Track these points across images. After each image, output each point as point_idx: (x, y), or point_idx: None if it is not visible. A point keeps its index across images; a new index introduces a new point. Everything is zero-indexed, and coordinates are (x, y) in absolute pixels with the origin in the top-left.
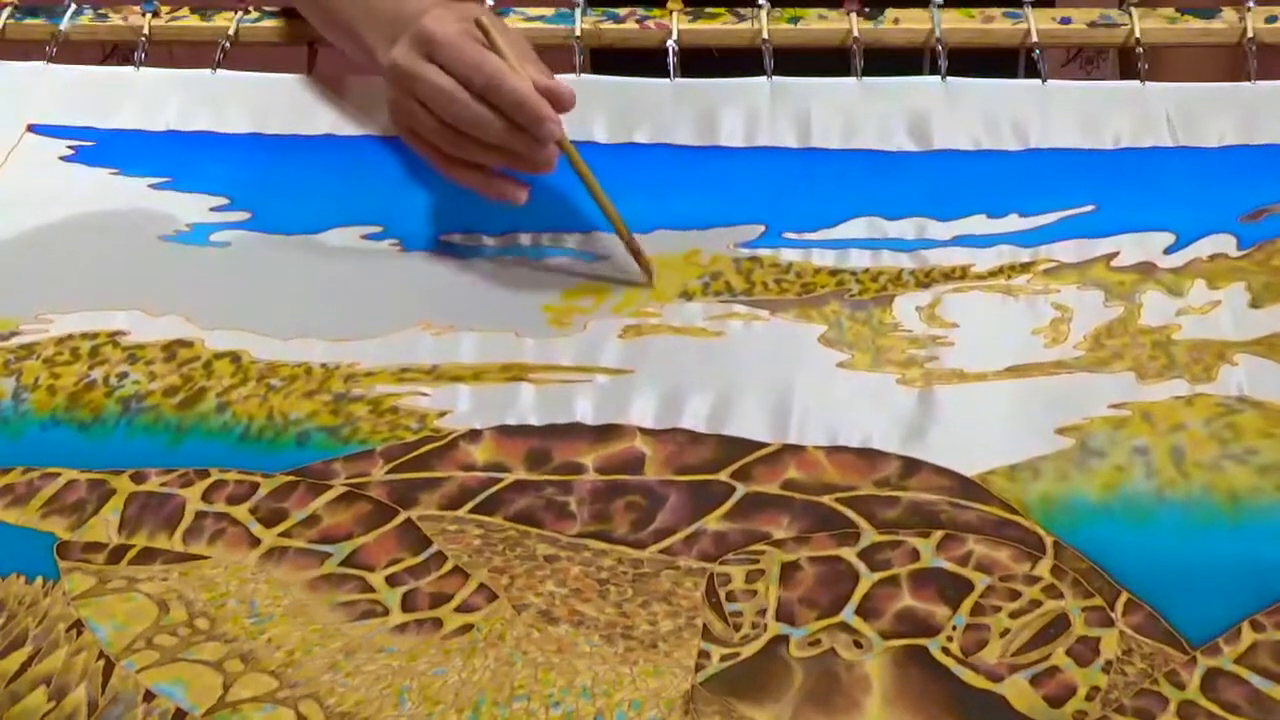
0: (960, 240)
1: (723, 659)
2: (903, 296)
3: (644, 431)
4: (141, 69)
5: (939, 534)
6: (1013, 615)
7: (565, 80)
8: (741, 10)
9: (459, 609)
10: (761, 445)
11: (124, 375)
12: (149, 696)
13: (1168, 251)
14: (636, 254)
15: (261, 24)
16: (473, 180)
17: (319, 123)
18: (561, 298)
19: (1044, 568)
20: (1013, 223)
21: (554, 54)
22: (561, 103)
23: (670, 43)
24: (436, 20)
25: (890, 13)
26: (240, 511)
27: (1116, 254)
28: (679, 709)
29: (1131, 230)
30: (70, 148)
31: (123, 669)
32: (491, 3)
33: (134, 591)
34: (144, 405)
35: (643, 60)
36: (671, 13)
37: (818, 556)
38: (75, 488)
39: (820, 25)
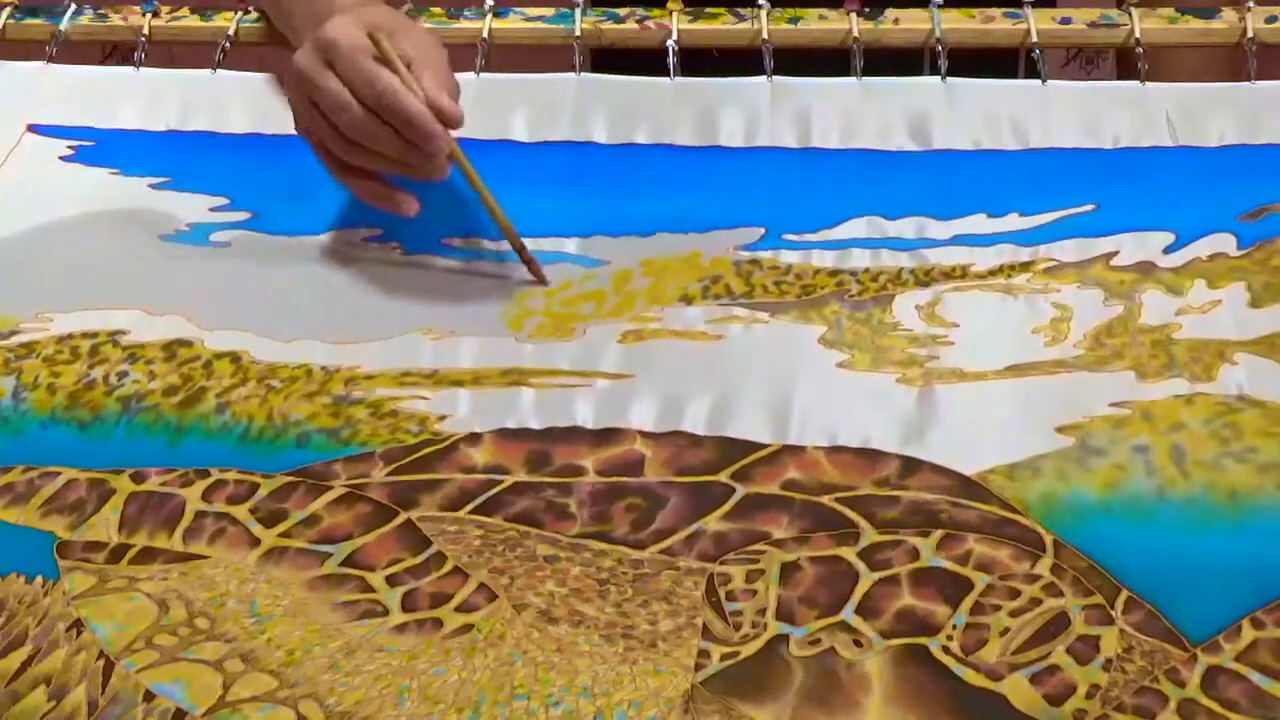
0: (960, 239)
1: (723, 658)
2: (903, 296)
3: (644, 434)
4: (141, 69)
5: (939, 533)
6: (1013, 614)
7: (564, 80)
8: (741, 10)
9: (459, 609)
10: (761, 446)
11: (124, 374)
12: (149, 696)
13: (1167, 251)
14: (529, 262)
15: (261, 24)
16: (364, 190)
17: None
18: (561, 303)
19: (1044, 566)
20: (1013, 222)
21: (554, 54)
22: (449, 123)
23: (670, 43)
24: (339, 26)
25: (890, 13)
26: (240, 511)
27: (1116, 253)
28: (679, 708)
29: (1131, 230)
30: (70, 148)
31: (123, 669)
32: (491, 3)
33: (134, 591)
34: (144, 405)
35: (643, 60)
36: (671, 13)
37: (818, 556)
38: (75, 487)
39: (820, 25)
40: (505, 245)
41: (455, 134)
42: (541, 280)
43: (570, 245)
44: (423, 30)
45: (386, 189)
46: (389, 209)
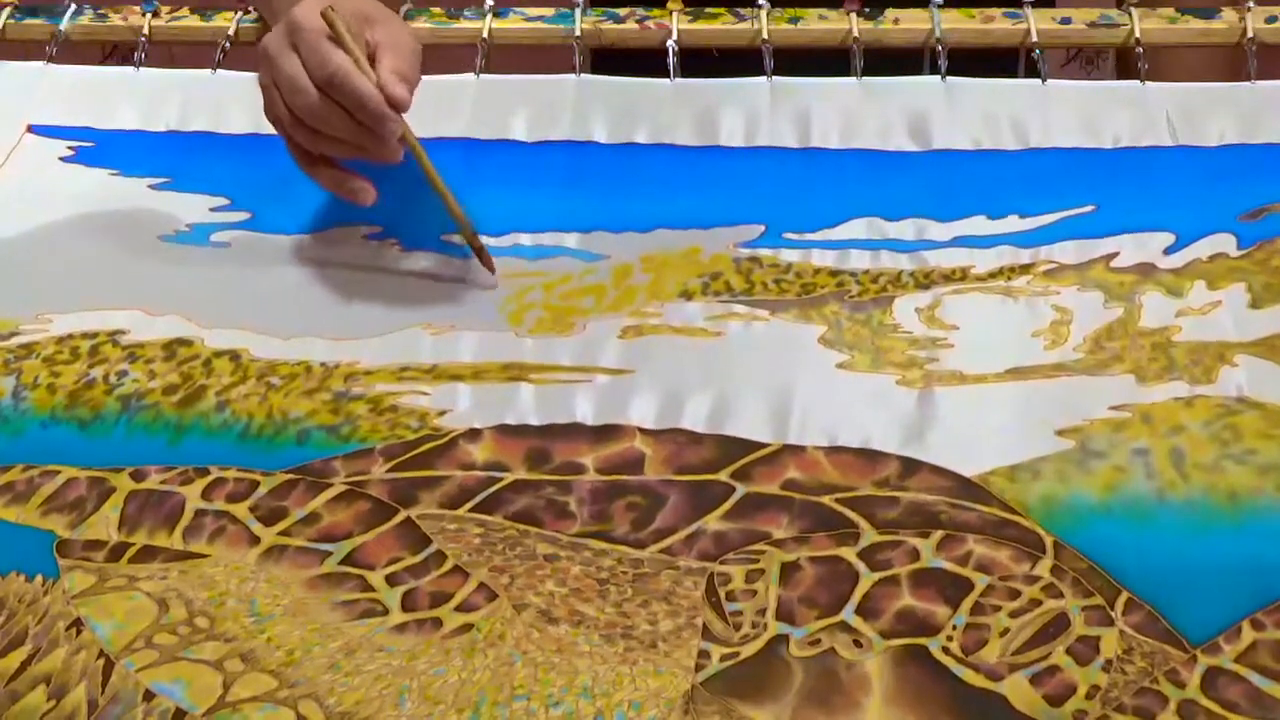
0: (960, 241)
1: (723, 659)
2: (903, 298)
3: (644, 431)
4: (141, 69)
5: (939, 534)
6: (1013, 615)
7: (564, 80)
8: (741, 10)
9: (459, 608)
10: (761, 445)
11: (123, 374)
12: (149, 696)
13: (1167, 252)
14: (479, 250)
15: (261, 24)
16: (322, 177)
17: None
18: (560, 297)
19: (1044, 567)
20: (1013, 223)
21: (554, 54)
22: (395, 106)
23: (670, 43)
24: (304, 9)
25: (890, 13)
26: (240, 509)
27: (1116, 254)
28: (679, 709)
29: (1131, 230)
30: (70, 148)
31: (123, 668)
32: (491, 3)
33: (134, 590)
34: (144, 403)
35: (643, 60)
36: (671, 13)
37: (818, 556)
38: (75, 485)
39: (820, 25)
40: (506, 242)
41: (457, 131)
42: (489, 269)
43: (570, 240)
44: (398, 21)
45: (344, 175)
46: (347, 197)
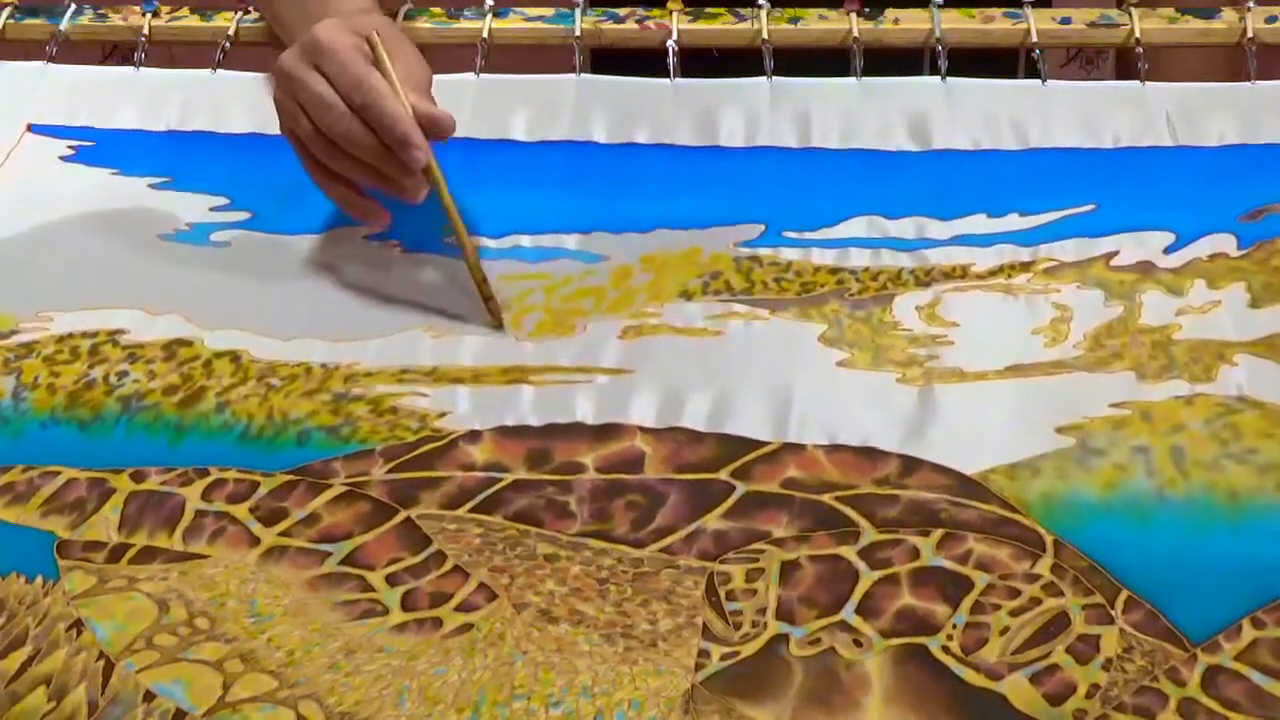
0: (960, 239)
1: (723, 658)
2: (903, 296)
3: (644, 430)
4: (141, 69)
5: (939, 532)
6: (1013, 613)
7: (564, 80)
8: (741, 10)
9: (459, 608)
10: (761, 444)
11: (124, 374)
12: (149, 696)
13: (1167, 251)
14: (487, 299)
15: (261, 24)
16: (338, 194)
17: None
18: (561, 299)
19: (1044, 566)
20: (1013, 222)
21: (554, 54)
22: (439, 130)
23: (670, 43)
24: (329, 29)
25: (890, 13)
26: (240, 510)
27: (1116, 253)
28: (679, 708)
29: (1131, 230)
30: (70, 148)
31: (123, 669)
32: (491, 3)
33: (134, 591)
34: (144, 404)
35: (643, 60)
36: (671, 13)
37: (818, 555)
38: (75, 486)
39: (820, 25)
40: (506, 244)
41: (457, 131)
42: (498, 324)
43: (570, 241)
44: (411, 49)
45: (361, 198)
46: (359, 218)
